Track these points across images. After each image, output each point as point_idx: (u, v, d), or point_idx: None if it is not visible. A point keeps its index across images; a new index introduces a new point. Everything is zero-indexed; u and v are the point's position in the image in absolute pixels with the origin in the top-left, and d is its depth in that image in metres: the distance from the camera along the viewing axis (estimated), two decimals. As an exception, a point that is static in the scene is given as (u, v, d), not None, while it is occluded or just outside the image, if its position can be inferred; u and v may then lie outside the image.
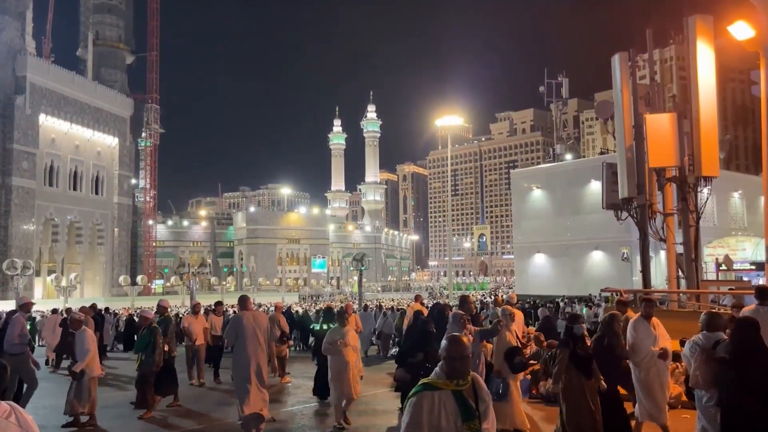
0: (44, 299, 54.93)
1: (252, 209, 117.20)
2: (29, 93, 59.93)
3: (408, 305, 17.69)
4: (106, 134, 71.51)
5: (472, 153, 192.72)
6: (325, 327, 13.36)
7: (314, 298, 77.23)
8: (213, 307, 16.41)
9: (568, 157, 50.42)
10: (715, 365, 5.14)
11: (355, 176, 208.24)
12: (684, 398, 9.06)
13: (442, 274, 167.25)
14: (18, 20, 61.92)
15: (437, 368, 3.55)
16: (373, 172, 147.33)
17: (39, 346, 21.94)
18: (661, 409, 7.02)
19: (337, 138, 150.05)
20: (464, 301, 9.01)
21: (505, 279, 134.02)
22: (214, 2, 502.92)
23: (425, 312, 12.97)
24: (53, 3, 78.80)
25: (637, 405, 7.20)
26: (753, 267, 30.05)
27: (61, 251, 66.66)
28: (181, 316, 30.79)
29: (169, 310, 12.42)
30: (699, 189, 14.40)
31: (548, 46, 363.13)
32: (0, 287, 54.89)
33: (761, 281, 16.52)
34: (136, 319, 22.12)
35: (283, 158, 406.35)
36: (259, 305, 26.58)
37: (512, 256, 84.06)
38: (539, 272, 45.20)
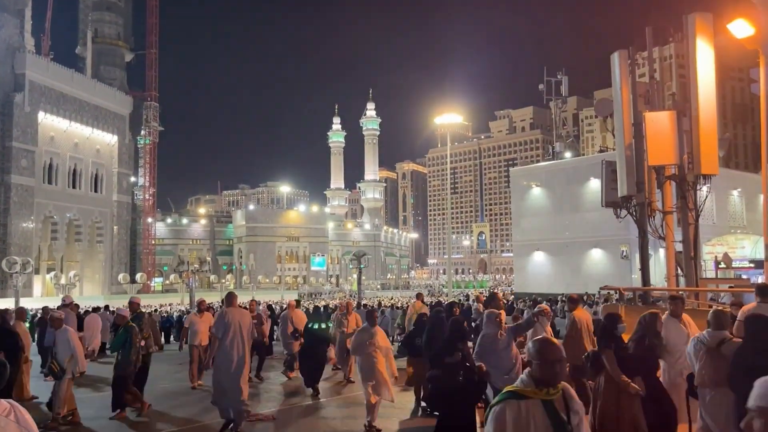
0: (43, 297, 54.95)
1: (251, 207, 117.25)
2: (28, 91, 59.89)
3: (410, 303, 17.53)
4: (105, 132, 71.50)
5: (471, 151, 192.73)
6: (323, 326, 13.37)
7: (313, 296, 77.23)
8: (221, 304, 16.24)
9: (568, 155, 50.37)
10: (723, 363, 5.14)
11: (354, 174, 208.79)
12: None
13: (441, 272, 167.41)
14: (17, 18, 61.87)
15: (523, 375, 3.17)
16: (372, 170, 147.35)
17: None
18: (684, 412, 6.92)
19: (337, 136, 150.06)
20: (493, 297, 8.82)
21: (504, 277, 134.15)
22: (212, 0, 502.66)
23: (427, 311, 12.96)
24: (52, 0, 78.72)
25: None
26: (752, 265, 30.09)
27: (61, 249, 66.66)
28: (178, 314, 30.86)
29: (141, 307, 11.77)
30: (698, 187, 14.40)
31: (548, 44, 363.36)
32: (-1, 285, 54.97)
33: (760, 279, 16.53)
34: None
35: (283, 156, 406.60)
36: (259, 303, 26.56)
37: (511, 254, 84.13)
38: (538, 270, 45.26)
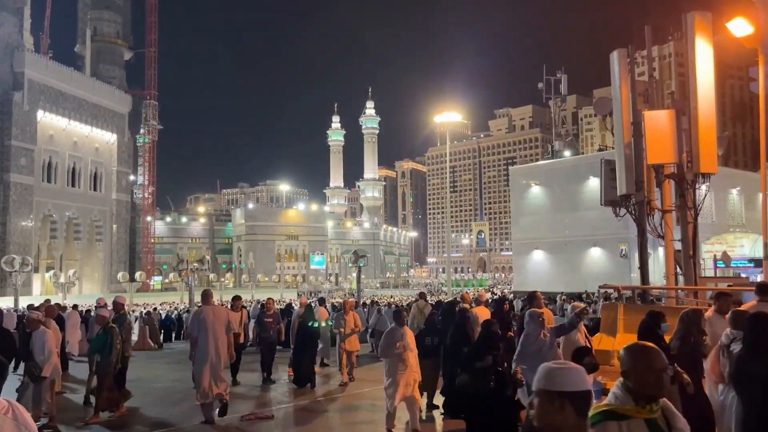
0: (42, 296, 54.92)
1: (250, 206, 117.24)
2: (27, 89, 59.83)
3: (415, 304, 17.07)
4: (104, 130, 71.44)
5: (470, 149, 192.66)
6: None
7: (312, 295, 77.22)
8: (230, 302, 14.72)
9: (567, 153, 50.43)
10: (731, 361, 5.18)
11: (353, 173, 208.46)
12: None
13: (440, 270, 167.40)
14: (16, 16, 61.80)
15: (615, 389, 2.69)
16: (371, 169, 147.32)
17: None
18: None
19: (336, 134, 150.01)
20: (534, 297, 8.51)
21: (503, 275, 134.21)
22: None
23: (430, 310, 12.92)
24: (51, -1, 78.61)
25: None
26: (751, 264, 30.11)
27: (60, 248, 66.63)
28: (177, 314, 30.83)
29: (125, 307, 11.66)
30: (697, 186, 14.39)
31: (547, 43, 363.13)
32: (-2, 284, 54.95)
33: (759, 278, 16.55)
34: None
35: (282, 155, 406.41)
36: (258, 302, 26.58)
37: (511, 253, 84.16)
38: (537, 269, 45.27)
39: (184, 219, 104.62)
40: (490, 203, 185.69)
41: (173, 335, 25.95)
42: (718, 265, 28.81)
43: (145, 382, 12.88)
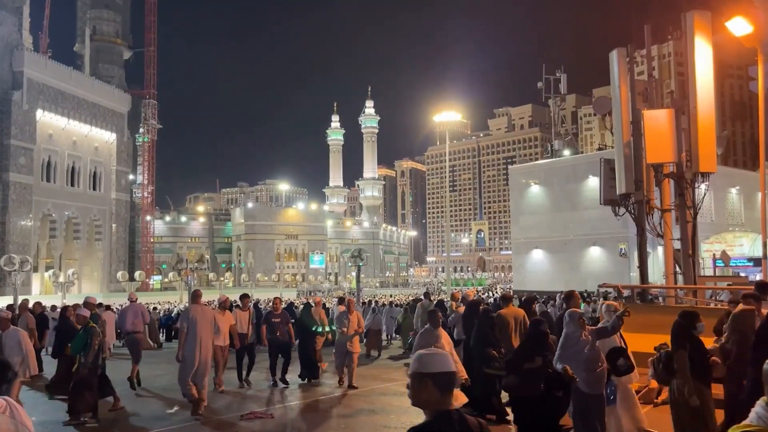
0: (42, 295, 54.90)
1: (250, 205, 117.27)
2: (26, 88, 59.76)
3: (420, 304, 16.83)
4: (103, 130, 71.36)
5: (470, 149, 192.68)
6: (325, 329, 13.24)
7: (312, 294, 77.25)
8: (237, 301, 14.09)
9: (566, 152, 50.44)
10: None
11: (353, 172, 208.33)
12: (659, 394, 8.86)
13: (440, 269, 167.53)
14: (15, 15, 61.72)
15: (759, 409, 2.35)
16: (371, 168, 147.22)
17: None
18: None
19: (335, 134, 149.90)
20: (571, 296, 8.23)
21: (503, 275, 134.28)
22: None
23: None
24: (50, -2, 78.49)
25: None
26: (750, 263, 30.14)
27: (59, 247, 66.58)
28: (177, 313, 30.82)
29: (96, 307, 11.65)
30: (696, 185, 14.40)
31: (546, 42, 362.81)
32: (-2, 283, 54.90)
33: (758, 277, 16.56)
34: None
35: (281, 154, 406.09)
36: (257, 301, 26.53)
37: (510, 252, 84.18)
38: (537, 268, 45.32)
39: (183, 218, 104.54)
40: (489, 202, 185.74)
41: (173, 334, 25.93)
42: (717, 264, 28.83)
43: (145, 381, 12.87)
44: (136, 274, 73.75)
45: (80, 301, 14.58)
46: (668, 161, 14.39)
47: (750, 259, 30.79)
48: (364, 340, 18.34)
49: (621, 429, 6.81)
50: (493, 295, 41.02)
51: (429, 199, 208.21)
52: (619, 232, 33.53)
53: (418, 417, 2.61)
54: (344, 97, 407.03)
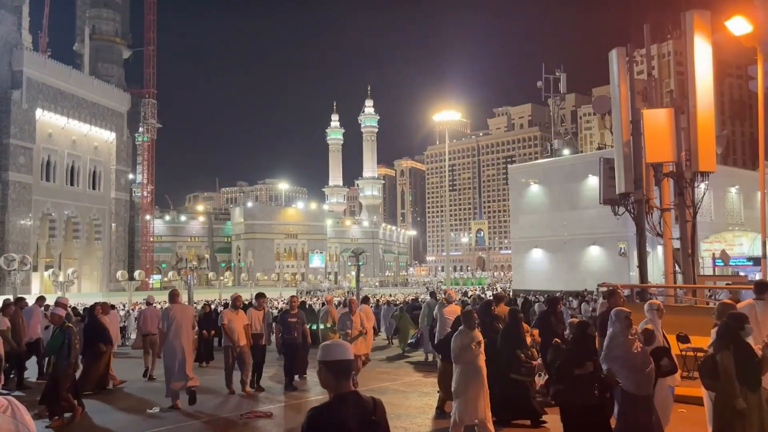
0: (41, 294, 54.84)
1: (249, 204, 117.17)
2: (26, 88, 59.72)
3: (426, 303, 16.63)
4: (103, 129, 71.31)
5: (469, 148, 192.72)
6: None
7: (312, 293, 77.24)
8: (254, 300, 13.72)
9: (566, 152, 50.44)
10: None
11: (352, 171, 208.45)
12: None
13: (440, 269, 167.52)
14: (14, 15, 61.65)
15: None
16: (370, 167, 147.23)
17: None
18: None
19: (335, 133, 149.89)
20: (614, 293, 7.88)
21: (502, 274, 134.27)
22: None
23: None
24: (49, -3, 78.36)
25: None
26: (750, 262, 30.16)
27: (58, 246, 66.57)
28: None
29: (67, 308, 11.33)
30: (696, 184, 14.41)
31: (546, 41, 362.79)
32: (-3, 282, 54.89)
33: (758, 276, 16.57)
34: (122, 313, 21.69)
35: (281, 153, 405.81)
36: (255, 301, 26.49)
37: (510, 251, 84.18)
38: (536, 267, 45.34)
39: (183, 218, 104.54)
40: (489, 202, 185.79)
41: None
42: (716, 264, 28.85)
43: (145, 380, 12.91)
44: (136, 273, 73.60)
45: (80, 301, 14.68)
46: (668, 160, 14.40)
47: (749, 259, 30.82)
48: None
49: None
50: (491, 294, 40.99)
51: (428, 198, 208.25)
52: (619, 231, 33.54)
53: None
54: (344, 96, 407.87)
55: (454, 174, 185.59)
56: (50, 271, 62.83)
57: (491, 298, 13.21)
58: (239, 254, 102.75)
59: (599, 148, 52.09)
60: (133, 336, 22.76)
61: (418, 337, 15.93)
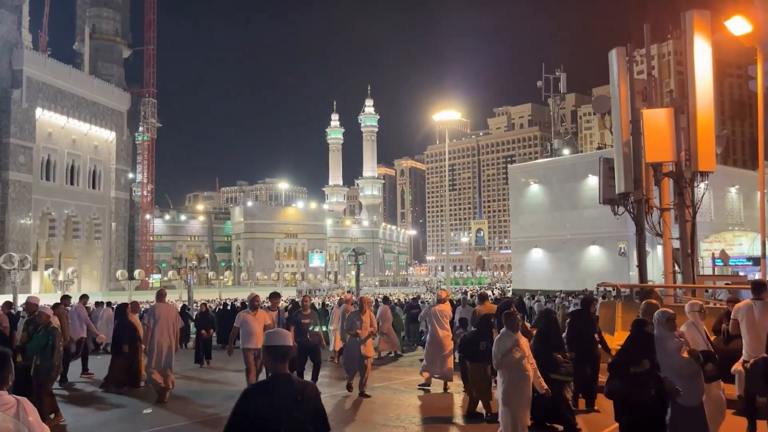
0: (41, 294, 54.94)
1: (249, 204, 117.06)
2: (26, 87, 59.72)
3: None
4: (103, 128, 71.31)
5: (469, 148, 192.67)
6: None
7: (310, 293, 77.24)
8: (268, 301, 12.72)
9: (566, 152, 50.47)
10: None
11: (352, 171, 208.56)
12: None
13: (439, 268, 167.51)
14: (14, 14, 61.64)
15: None
16: (370, 167, 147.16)
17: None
18: None
19: (335, 132, 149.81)
20: (650, 293, 7.84)
21: (502, 274, 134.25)
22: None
23: (448, 309, 12.67)
24: (49, -4, 78.28)
25: None
26: (749, 262, 30.16)
27: (58, 246, 66.56)
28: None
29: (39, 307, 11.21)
30: (696, 184, 14.43)
31: (546, 41, 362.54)
32: (-3, 282, 54.92)
33: (757, 276, 16.58)
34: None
35: (281, 153, 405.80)
36: (269, 301, 26.41)
37: (510, 251, 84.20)
38: (536, 267, 45.33)
39: (183, 217, 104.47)
40: (489, 201, 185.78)
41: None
42: (716, 264, 28.86)
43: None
44: (136, 272, 73.66)
45: (81, 301, 14.68)
46: (667, 160, 14.41)
47: (749, 259, 30.82)
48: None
49: None
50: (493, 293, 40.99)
51: (428, 198, 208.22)
52: (619, 231, 33.54)
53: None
54: (344, 95, 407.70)
55: (454, 174, 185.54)
56: (50, 270, 62.85)
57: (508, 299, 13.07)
58: (239, 254, 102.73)
59: (599, 148, 52.12)
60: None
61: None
